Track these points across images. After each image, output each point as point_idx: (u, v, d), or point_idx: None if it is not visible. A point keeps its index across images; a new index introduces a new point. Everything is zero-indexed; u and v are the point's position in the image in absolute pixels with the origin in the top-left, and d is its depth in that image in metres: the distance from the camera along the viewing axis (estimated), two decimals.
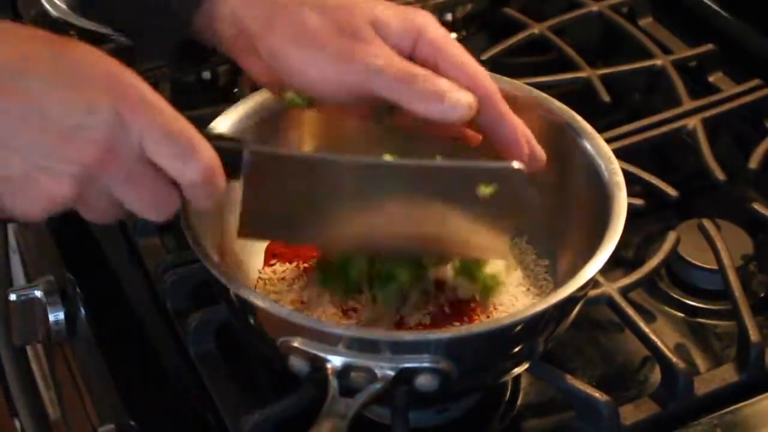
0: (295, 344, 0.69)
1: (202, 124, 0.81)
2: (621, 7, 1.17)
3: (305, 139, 0.86)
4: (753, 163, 0.96)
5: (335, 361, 0.68)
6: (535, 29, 1.12)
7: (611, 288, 0.83)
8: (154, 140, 0.63)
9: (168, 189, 0.65)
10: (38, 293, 0.96)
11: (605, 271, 0.77)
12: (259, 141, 0.83)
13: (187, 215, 0.74)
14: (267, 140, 0.84)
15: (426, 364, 0.68)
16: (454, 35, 1.19)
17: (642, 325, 0.81)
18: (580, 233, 0.80)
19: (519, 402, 0.81)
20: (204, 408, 0.79)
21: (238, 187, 0.76)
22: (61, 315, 0.96)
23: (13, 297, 0.97)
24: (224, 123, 0.82)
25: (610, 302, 0.83)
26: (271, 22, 0.74)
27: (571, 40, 1.12)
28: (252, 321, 0.73)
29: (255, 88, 0.84)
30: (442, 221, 0.73)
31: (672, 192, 0.93)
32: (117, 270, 0.91)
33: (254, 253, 0.83)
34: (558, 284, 0.80)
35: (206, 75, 1.12)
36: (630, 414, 0.77)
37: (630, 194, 0.77)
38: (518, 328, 0.70)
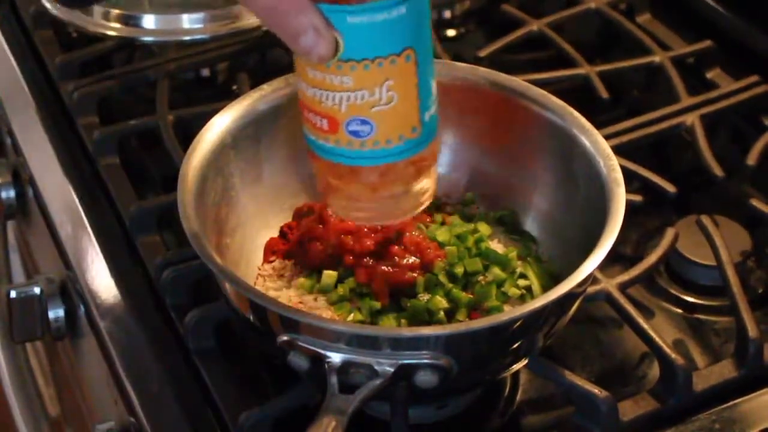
0: (295, 341, 0.69)
1: (201, 120, 0.82)
2: (619, 3, 1.17)
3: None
4: (751, 160, 0.96)
5: (335, 357, 0.68)
6: (534, 26, 1.12)
7: (610, 284, 0.83)
8: None
9: None
10: (38, 290, 0.96)
11: (604, 267, 0.77)
12: (257, 138, 0.84)
13: (186, 212, 0.74)
14: (265, 137, 0.84)
15: (425, 360, 0.68)
16: (452, 32, 1.20)
17: (641, 321, 0.81)
18: (579, 229, 0.80)
19: (518, 398, 0.81)
20: (203, 404, 0.80)
21: (236, 184, 0.76)
22: (60, 312, 0.96)
23: (12, 294, 0.97)
24: (222, 120, 0.82)
25: (608, 298, 0.83)
26: None
27: (569, 37, 1.12)
28: (251, 318, 0.73)
29: (253, 85, 0.84)
30: None
31: (670, 188, 0.93)
32: (116, 267, 0.91)
33: (253, 250, 0.83)
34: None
35: (205, 72, 1.12)
36: (629, 410, 0.77)
37: (628, 190, 0.77)
38: (517, 324, 0.70)
